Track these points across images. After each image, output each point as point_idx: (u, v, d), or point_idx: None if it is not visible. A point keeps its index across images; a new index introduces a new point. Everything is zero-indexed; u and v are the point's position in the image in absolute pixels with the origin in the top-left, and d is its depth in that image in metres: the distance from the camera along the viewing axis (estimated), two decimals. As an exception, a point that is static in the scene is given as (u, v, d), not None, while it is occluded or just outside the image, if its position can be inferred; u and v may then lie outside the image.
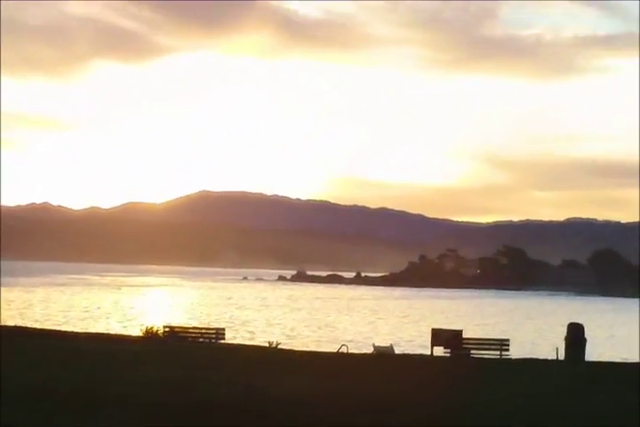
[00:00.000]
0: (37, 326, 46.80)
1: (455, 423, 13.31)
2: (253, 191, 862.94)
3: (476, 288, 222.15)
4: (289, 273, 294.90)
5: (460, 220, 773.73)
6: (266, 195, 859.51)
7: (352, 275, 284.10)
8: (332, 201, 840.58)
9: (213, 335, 36.98)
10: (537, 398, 16.74)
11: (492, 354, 33.24)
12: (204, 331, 38.46)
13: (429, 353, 34.01)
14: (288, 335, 53.86)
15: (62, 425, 11.27)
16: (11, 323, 46.96)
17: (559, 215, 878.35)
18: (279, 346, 35.50)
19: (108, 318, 76.10)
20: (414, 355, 34.65)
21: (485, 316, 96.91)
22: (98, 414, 12.05)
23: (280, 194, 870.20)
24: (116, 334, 40.38)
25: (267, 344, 36.37)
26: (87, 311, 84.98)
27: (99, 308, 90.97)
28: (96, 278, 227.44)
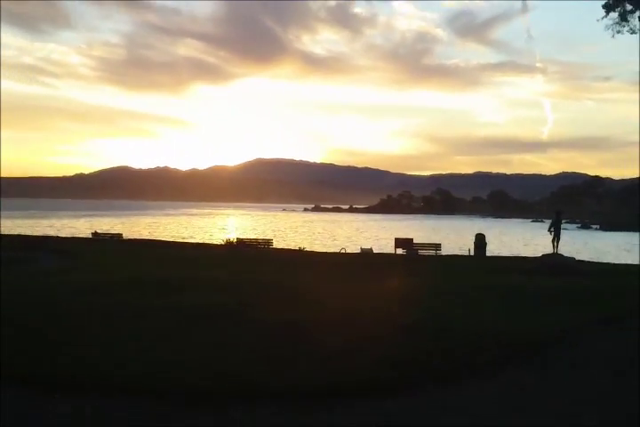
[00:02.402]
0: (161, 239, 46.62)
1: (409, 279, 13.48)
2: (287, 157, 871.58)
3: (420, 214, 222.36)
4: (310, 206, 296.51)
5: (411, 173, 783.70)
6: (295, 160, 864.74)
7: (347, 207, 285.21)
8: (335, 163, 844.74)
9: (265, 243, 37.10)
10: (458, 275, 16.77)
11: (431, 252, 33.22)
12: (260, 241, 38.51)
13: (394, 252, 34.00)
14: (310, 242, 53.71)
15: (167, 299, 11.18)
16: (146, 238, 46.99)
17: (470, 170, 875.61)
18: (305, 249, 35.58)
19: (203, 232, 75.89)
20: (385, 253, 34.62)
21: (426, 229, 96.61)
22: (192, 291, 12.09)
23: (303, 159, 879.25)
24: (209, 243, 40.40)
25: (297, 248, 36.47)
26: (190, 229, 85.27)
27: (198, 227, 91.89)
28: (195, 210, 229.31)
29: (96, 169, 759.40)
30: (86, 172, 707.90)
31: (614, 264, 26.31)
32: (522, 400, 6.20)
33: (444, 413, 5.78)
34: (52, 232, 54.92)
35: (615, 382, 6.81)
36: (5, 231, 43.96)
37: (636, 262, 30.42)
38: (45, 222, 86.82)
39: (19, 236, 36.38)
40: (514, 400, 6.20)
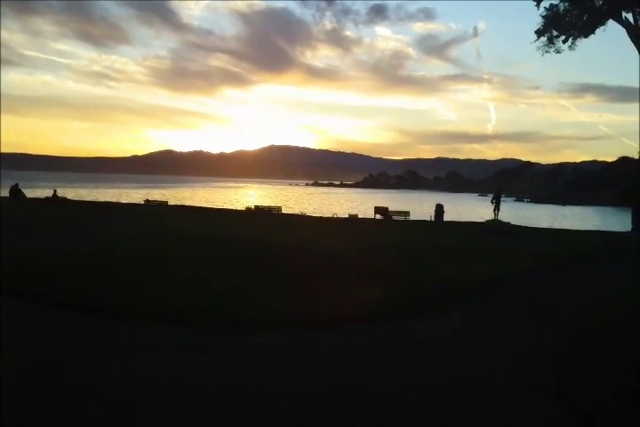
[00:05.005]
0: (195, 204, 45.68)
1: (385, 238, 13.43)
2: (293, 144, 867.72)
3: (394, 189, 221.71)
4: (310, 182, 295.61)
5: (387, 157, 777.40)
6: (299, 146, 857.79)
7: (338, 183, 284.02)
8: (330, 149, 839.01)
9: (276, 209, 36.88)
10: (423, 235, 16.71)
11: (402, 218, 33.06)
12: (272, 207, 38.22)
13: (373, 217, 33.88)
14: (309, 209, 53.14)
15: (191, 251, 11.02)
16: (179, 204, 46.05)
17: (432, 156, 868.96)
18: (306, 214, 35.35)
19: (228, 201, 75.23)
20: (366, 218, 34.47)
21: (398, 200, 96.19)
22: (210, 245, 11.71)
23: (306, 146, 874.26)
24: (232, 209, 39.97)
25: (300, 213, 36.25)
26: (219, 198, 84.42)
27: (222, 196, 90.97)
28: (222, 184, 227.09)
29: (147, 152, 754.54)
30: (139, 154, 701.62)
31: (539, 228, 26.40)
32: (483, 318, 6.27)
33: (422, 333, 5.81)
34: (112, 199, 54.41)
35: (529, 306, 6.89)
36: (77, 198, 43.54)
37: (556, 227, 30.73)
38: (108, 192, 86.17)
39: (86, 202, 36.00)
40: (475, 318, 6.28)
